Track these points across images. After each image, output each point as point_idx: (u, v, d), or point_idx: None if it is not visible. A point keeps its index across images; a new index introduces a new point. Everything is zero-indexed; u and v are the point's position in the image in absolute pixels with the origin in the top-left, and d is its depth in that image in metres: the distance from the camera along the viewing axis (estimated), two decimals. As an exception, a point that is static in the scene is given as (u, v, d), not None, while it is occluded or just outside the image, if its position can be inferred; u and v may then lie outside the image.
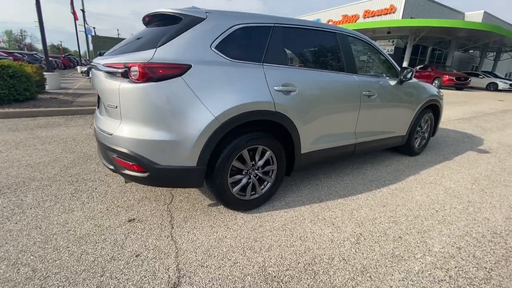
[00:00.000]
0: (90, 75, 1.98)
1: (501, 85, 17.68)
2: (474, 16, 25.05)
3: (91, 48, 27.97)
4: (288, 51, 2.19)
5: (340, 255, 1.65)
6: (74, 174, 2.61)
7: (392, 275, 1.52)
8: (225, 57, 1.74)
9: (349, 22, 23.82)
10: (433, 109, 3.64)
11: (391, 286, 1.44)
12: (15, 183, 2.39)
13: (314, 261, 1.59)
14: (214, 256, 1.59)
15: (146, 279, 1.41)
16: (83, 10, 24.11)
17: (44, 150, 3.21)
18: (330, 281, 1.46)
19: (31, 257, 1.53)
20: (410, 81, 3.13)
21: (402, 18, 20.56)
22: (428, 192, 2.59)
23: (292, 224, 1.95)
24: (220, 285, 1.40)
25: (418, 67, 18.75)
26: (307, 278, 1.47)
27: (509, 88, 17.56)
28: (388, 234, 1.89)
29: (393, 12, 21.50)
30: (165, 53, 1.58)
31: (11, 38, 76.78)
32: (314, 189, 2.51)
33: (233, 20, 1.81)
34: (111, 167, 1.77)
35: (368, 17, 23.25)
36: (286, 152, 2.19)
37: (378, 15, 22.56)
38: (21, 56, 14.46)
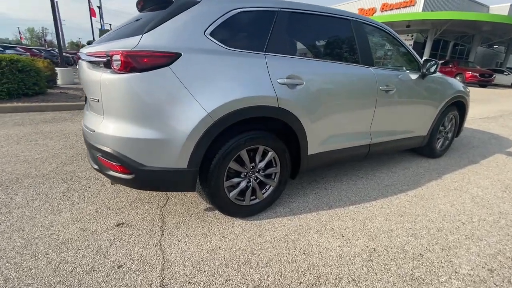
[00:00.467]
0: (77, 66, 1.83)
1: (529, 82, 16.49)
2: (499, 9, 23.49)
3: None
4: (294, 40, 1.96)
5: (349, 275, 1.43)
6: (69, 172, 2.50)
7: (412, 303, 1.29)
8: (222, 45, 1.53)
9: (365, 16, 22.90)
10: (459, 106, 3.29)
11: (411, 318, 1.21)
12: (8, 180, 2.30)
13: (319, 282, 1.38)
14: (205, 271, 1.41)
15: (125, 296, 1.25)
16: (99, 7, 24.52)
17: (44, 146, 3.14)
18: (336, 307, 1.24)
19: (6, 264, 1.40)
20: (434, 75, 2.81)
21: (422, 11, 19.55)
22: (453, 200, 2.29)
23: (296, 234, 1.73)
24: (207, 307, 1.22)
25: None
26: (310, 303, 1.26)
27: (538, 85, 16.35)
28: (407, 251, 1.64)
29: (413, 5, 20.49)
30: (152, 39, 1.39)
31: (33, 35, 79.92)
32: (323, 194, 2.28)
33: (232, 3, 1.60)
34: (96, 167, 1.62)
35: (386, 10, 22.30)
36: (291, 153, 1.97)
37: (396, 8, 21.59)
38: (38, 52, 14.87)
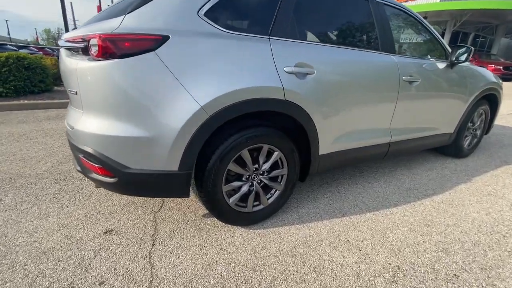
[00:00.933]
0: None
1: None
2: (527, -3, 21.98)
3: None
4: (304, 22, 1.70)
5: (369, 300, 1.19)
6: (63, 171, 2.37)
7: None
8: (218, 27, 1.31)
9: (379, 9, 22.02)
10: (490, 100, 2.93)
11: None
12: (1, 179, 2.19)
13: (332, 309, 1.15)
14: (197, 292, 1.20)
15: (102, 321, 1.06)
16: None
17: (43, 144, 3.04)
18: None
19: (-21, 277, 1.25)
20: (463, 64, 2.49)
21: (440, 1, 18.57)
22: (488, 207, 1.99)
23: (305, 247, 1.50)
24: None
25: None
26: (321, 337, 1.03)
27: None
28: (438, 270, 1.38)
29: (430, -5, 19.49)
30: (136, 21, 1.18)
31: (49, 36, 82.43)
32: (336, 199, 2.03)
33: (230, -21, 1.37)
34: (79, 169, 1.44)
35: (401, 1, 21.37)
36: (300, 153, 1.73)
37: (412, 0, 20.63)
38: (51, 51, 15.16)
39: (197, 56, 1.24)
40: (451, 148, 2.87)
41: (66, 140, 3.18)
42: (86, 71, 1.19)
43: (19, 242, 1.49)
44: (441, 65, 2.30)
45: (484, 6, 15.39)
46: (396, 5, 2.07)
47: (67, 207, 1.84)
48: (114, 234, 1.56)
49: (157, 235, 1.57)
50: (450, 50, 2.36)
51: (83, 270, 1.30)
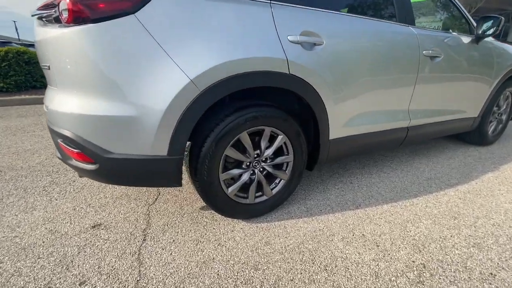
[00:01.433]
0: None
1: None
2: (547, -19, 20.83)
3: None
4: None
5: (392, 305, 1.00)
6: (57, 164, 2.25)
7: None
8: (210, -13, 1.12)
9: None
10: (517, 82, 2.65)
11: None
12: (-9, 172, 2.08)
13: (348, 315, 0.97)
14: (189, 294, 1.04)
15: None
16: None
17: (39, 137, 2.94)
18: None
19: (-51, 276, 1.13)
20: (489, 41, 2.23)
21: (453, -12, 17.77)
22: (522, 198, 1.76)
23: (314, 242, 1.32)
24: None
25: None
26: None
27: None
28: (471, 268, 1.18)
29: (442, -18, 18.68)
30: (113, -21, 1.01)
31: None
32: (348, 190, 1.83)
33: None
34: (59, 155, 1.30)
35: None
36: (307, 137, 1.54)
37: (423, -13, 19.83)
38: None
39: (185, 21, 1.06)
40: (474, 134, 2.61)
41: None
42: (56, 40, 1.03)
43: None
44: (466, 39, 2.05)
45: (500, -10, 14.60)
46: (415, -29, 1.84)
47: (56, 200, 1.71)
48: (102, 229, 1.42)
49: (149, 229, 1.42)
50: (475, 24, 2.11)
51: (64, 268, 1.16)
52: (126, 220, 1.49)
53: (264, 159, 1.44)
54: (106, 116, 1.04)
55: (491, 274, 1.15)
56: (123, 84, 1.02)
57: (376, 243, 1.33)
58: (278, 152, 1.48)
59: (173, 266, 1.17)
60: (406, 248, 1.29)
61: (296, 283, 1.09)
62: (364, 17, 1.55)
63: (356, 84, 1.50)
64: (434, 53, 1.78)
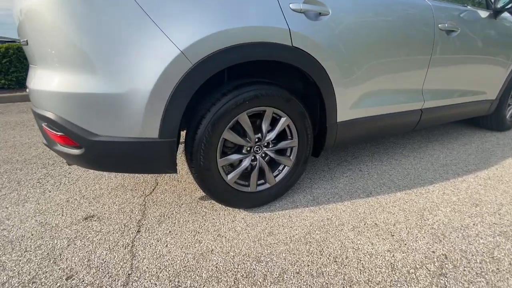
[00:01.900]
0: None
1: None
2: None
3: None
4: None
5: (412, 300, 0.89)
6: (53, 156, 2.18)
7: None
8: None
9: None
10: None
11: None
12: (-14, 166, 2.02)
13: (362, 311, 0.86)
14: (184, 288, 0.95)
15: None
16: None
17: (38, 131, 2.88)
18: None
19: None
20: (508, 17, 2.06)
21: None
22: (549, 183, 1.61)
23: (322, 232, 1.21)
24: None
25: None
26: None
27: None
28: (499, 259, 1.05)
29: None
30: None
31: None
32: (358, 177, 1.71)
33: None
34: (45, 141, 1.21)
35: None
36: (313, 120, 1.42)
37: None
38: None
39: (174, -15, 0.95)
40: (491, 119, 2.45)
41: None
42: (32, 10, 0.93)
43: (-12, 231, 1.29)
44: (483, 14, 1.88)
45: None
46: None
47: (50, 192, 1.63)
48: (95, 220, 1.33)
49: (144, 220, 1.32)
50: (493, -4, 1.94)
51: (51, 261, 1.08)
52: (120, 211, 1.40)
53: (266, 143, 1.33)
54: (88, 94, 0.94)
55: (523, 265, 1.03)
56: (106, 58, 0.92)
57: (391, 232, 1.21)
58: (281, 136, 1.36)
59: (168, 259, 1.07)
60: (424, 237, 1.17)
61: (303, 276, 0.98)
62: (373, -14, 1.41)
63: (366, 59, 1.37)
64: (450, 26, 1.63)
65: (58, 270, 1.03)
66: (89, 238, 1.21)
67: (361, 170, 1.82)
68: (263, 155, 1.35)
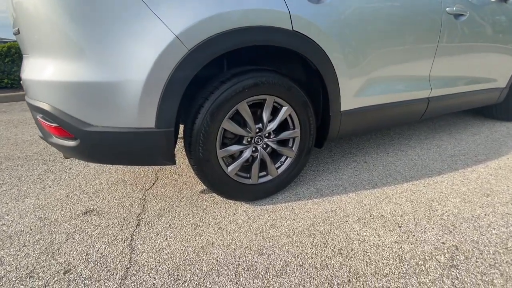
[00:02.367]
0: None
1: None
2: None
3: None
4: None
5: (422, 293, 0.85)
6: (54, 153, 2.17)
7: None
8: None
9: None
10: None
11: None
12: (-13, 163, 2.02)
13: (369, 305, 0.82)
14: (184, 282, 0.92)
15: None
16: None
17: (40, 128, 2.88)
18: None
19: None
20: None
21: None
22: None
23: (327, 224, 1.17)
24: None
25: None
26: None
27: None
28: (515, 250, 1.00)
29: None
30: None
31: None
32: (362, 169, 1.66)
33: None
34: (41, 134, 1.18)
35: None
36: (316, 109, 1.38)
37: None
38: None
39: (168, -33, 0.90)
40: (501, 108, 2.37)
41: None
42: (21, -5, 0.90)
43: (-13, 226, 1.28)
44: (493, -3, 1.81)
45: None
46: None
47: (50, 187, 1.62)
48: (95, 215, 1.31)
49: (144, 214, 1.30)
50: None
51: (49, 256, 1.06)
52: (120, 206, 1.38)
53: (267, 134, 1.29)
54: (81, 83, 0.91)
55: (538, 256, 0.98)
56: (98, 45, 0.89)
57: (398, 224, 1.16)
58: (283, 126, 1.32)
59: (168, 252, 1.05)
60: (433, 228, 1.12)
61: (306, 269, 0.95)
62: (377, -32, 1.35)
63: (372, 45, 1.31)
64: (459, 10, 1.56)
65: (56, 265, 1.01)
66: (88, 232, 1.19)
67: (366, 161, 1.77)
68: (265, 146, 1.31)
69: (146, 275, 0.95)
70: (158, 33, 0.90)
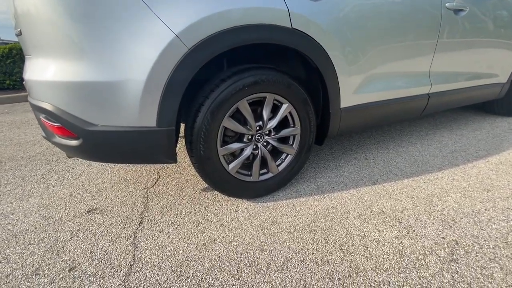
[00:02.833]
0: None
1: None
2: None
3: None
4: None
5: (422, 287, 0.85)
6: (57, 152, 2.19)
7: None
8: None
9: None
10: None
11: None
12: (-9, 163, 2.04)
13: (370, 299, 0.83)
14: (187, 278, 0.93)
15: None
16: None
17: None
18: None
19: None
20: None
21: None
22: None
23: (327, 220, 1.18)
24: None
25: None
26: None
27: None
28: (514, 244, 1.01)
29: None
30: None
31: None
32: (363, 166, 1.67)
33: None
34: (44, 134, 1.20)
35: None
36: (316, 106, 1.38)
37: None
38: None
39: (167, -34, 0.91)
40: (502, 103, 2.37)
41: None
42: (23, -3, 0.91)
43: (-7, 225, 1.30)
44: (494, -8, 1.80)
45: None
46: None
47: (53, 187, 1.64)
48: (98, 213, 1.33)
49: (147, 212, 1.31)
50: (504, -27, 1.85)
51: (54, 254, 1.07)
52: (123, 204, 1.39)
53: (267, 131, 1.30)
54: (83, 83, 0.92)
55: (538, 250, 0.98)
56: (99, 45, 0.90)
57: (398, 219, 1.17)
58: (283, 124, 1.33)
59: (171, 249, 1.06)
60: (433, 224, 1.13)
61: (308, 264, 0.96)
62: (376, -36, 1.35)
63: (371, 42, 1.32)
64: (458, 5, 1.56)
65: (61, 262, 1.03)
66: (91, 230, 1.21)
67: (367, 158, 1.77)
68: (265, 143, 1.32)
69: (149, 272, 0.96)
70: (158, 32, 0.90)
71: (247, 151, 1.27)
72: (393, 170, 1.60)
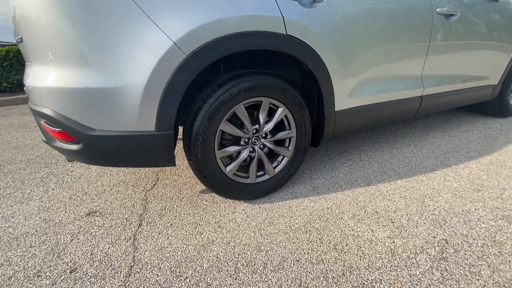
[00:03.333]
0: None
1: None
2: None
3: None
4: None
5: (412, 284, 0.89)
6: (56, 155, 2.20)
7: None
8: None
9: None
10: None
11: None
12: (-10, 167, 2.05)
13: (362, 296, 0.86)
14: (186, 278, 0.96)
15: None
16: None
17: (40, 132, 2.90)
18: None
19: None
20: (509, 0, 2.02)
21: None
22: (553, 167, 1.59)
23: (322, 221, 1.21)
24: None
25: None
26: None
27: None
28: (501, 243, 1.05)
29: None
30: None
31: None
32: (357, 167, 1.71)
33: None
34: (44, 138, 1.22)
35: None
36: (311, 109, 1.42)
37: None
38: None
39: (165, -24, 0.94)
40: (494, 105, 2.42)
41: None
42: (25, 6, 0.93)
43: (-6, 228, 1.31)
44: (484, -4, 1.85)
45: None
46: None
47: (53, 190, 1.66)
48: (98, 216, 1.35)
49: (146, 214, 1.34)
50: (494, -22, 1.90)
51: (55, 256, 1.10)
52: (122, 207, 1.42)
53: (263, 134, 1.33)
54: (83, 89, 0.95)
55: (525, 247, 1.02)
56: (99, 52, 0.92)
57: (391, 219, 1.21)
58: (279, 127, 1.36)
59: (170, 250, 1.09)
60: (425, 223, 1.17)
61: (303, 264, 0.99)
62: (369, -29, 1.38)
63: (363, 47, 1.35)
64: (449, 10, 1.60)
65: (62, 264, 1.05)
66: (92, 232, 1.23)
67: (362, 159, 1.81)
68: (262, 146, 1.35)
69: (149, 273, 0.99)
70: (157, 39, 0.93)
71: (244, 154, 1.30)
72: (387, 171, 1.63)
